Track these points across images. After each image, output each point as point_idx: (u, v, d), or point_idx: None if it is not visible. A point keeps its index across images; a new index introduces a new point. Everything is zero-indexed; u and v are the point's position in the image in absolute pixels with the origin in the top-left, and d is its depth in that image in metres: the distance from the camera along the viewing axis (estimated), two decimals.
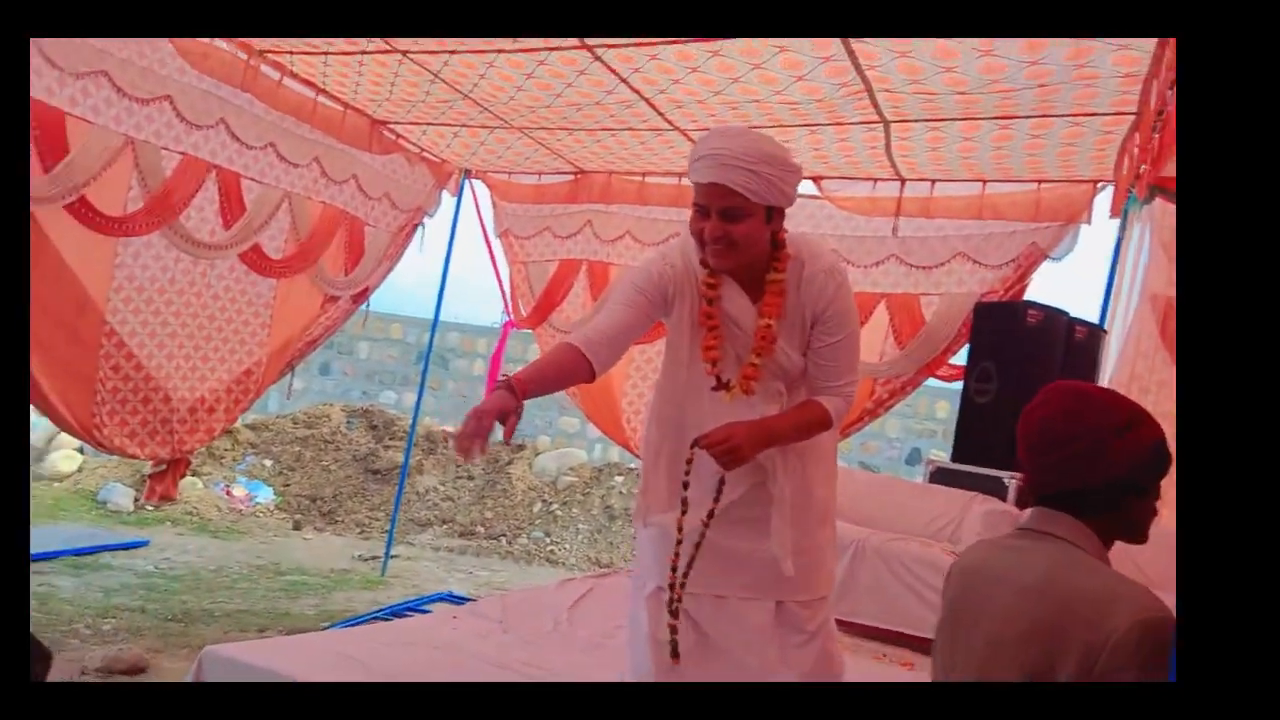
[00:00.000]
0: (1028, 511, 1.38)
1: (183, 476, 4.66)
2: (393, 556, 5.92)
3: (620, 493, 7.67)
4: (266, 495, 7.32)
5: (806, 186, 4.34)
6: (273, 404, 8.40)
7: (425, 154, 4.82)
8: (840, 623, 3.61)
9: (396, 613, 4.45)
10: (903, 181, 4.12)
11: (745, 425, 1.82)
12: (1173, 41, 2.38)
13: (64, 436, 7.13)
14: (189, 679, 2.12)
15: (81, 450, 7.19)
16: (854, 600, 3.53)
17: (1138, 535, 1.33)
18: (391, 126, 4.45)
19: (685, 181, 4.59)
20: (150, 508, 6.38)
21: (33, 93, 3.08)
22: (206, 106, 3.78)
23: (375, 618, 4.30)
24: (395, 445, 8.18)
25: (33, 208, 3.23)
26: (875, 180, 4.13)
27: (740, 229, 1.80)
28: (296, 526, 7.01)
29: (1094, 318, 3.73)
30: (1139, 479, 1.29)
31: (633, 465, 7.88)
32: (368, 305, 5.16)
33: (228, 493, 7.12)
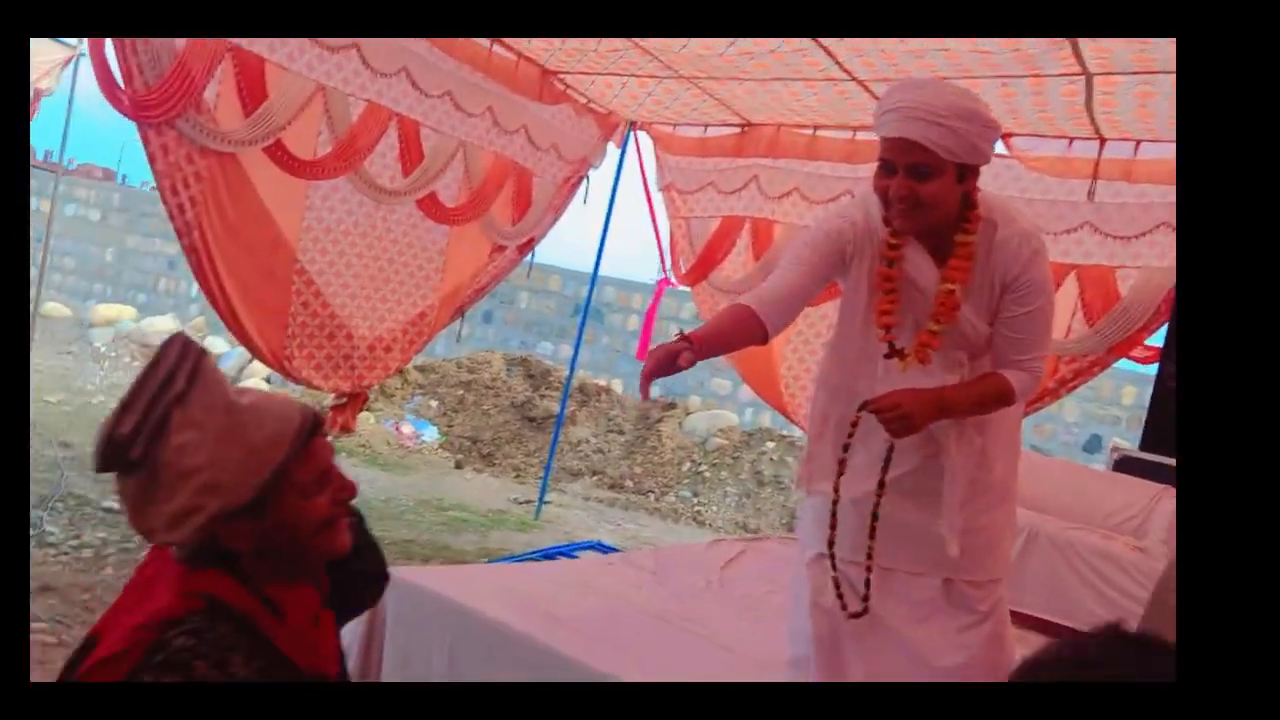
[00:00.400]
0: None
1: (361, 410, 4.95)
2: (546, 502, 6.11)
3: (771, 459, 7.58)
4: (432, 434, 7.71)
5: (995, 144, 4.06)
6: (440, 348, 8.79)
7: (593, 105, 4.83)
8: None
9: (549, 556, 4.58)
10: (1102, 141, 3.77)
11: (917, 393, 1.73)
12: None
13: (255, 365, 7.74)
14: None
15: (269, 380, 7.78)
16: (1022, 589, 3.34)
17: None
18: (561, 76, 4.48)
19: (860, 136, 4.38)
20: (330, 437, 6.84)
21: (233, 39, 3.27)
22: (390, 55, 3.91)
23: (530, 558, 4.44)
24: (551, 395, 8.40)
25: (235, 150, 3.46)
26: (1071, 139, 3.80)
27: (928, 188, 1.68)
28: (458, 466, 7.35)
29: None
30: None
31: (785, 431, 7.76)
32: (532, 256, 5.27)
33: (397, 429, 7.55)
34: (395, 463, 6.92)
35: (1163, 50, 2.85)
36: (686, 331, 1.67)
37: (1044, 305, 1.81)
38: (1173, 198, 3.73)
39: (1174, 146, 3.63)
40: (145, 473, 1.04)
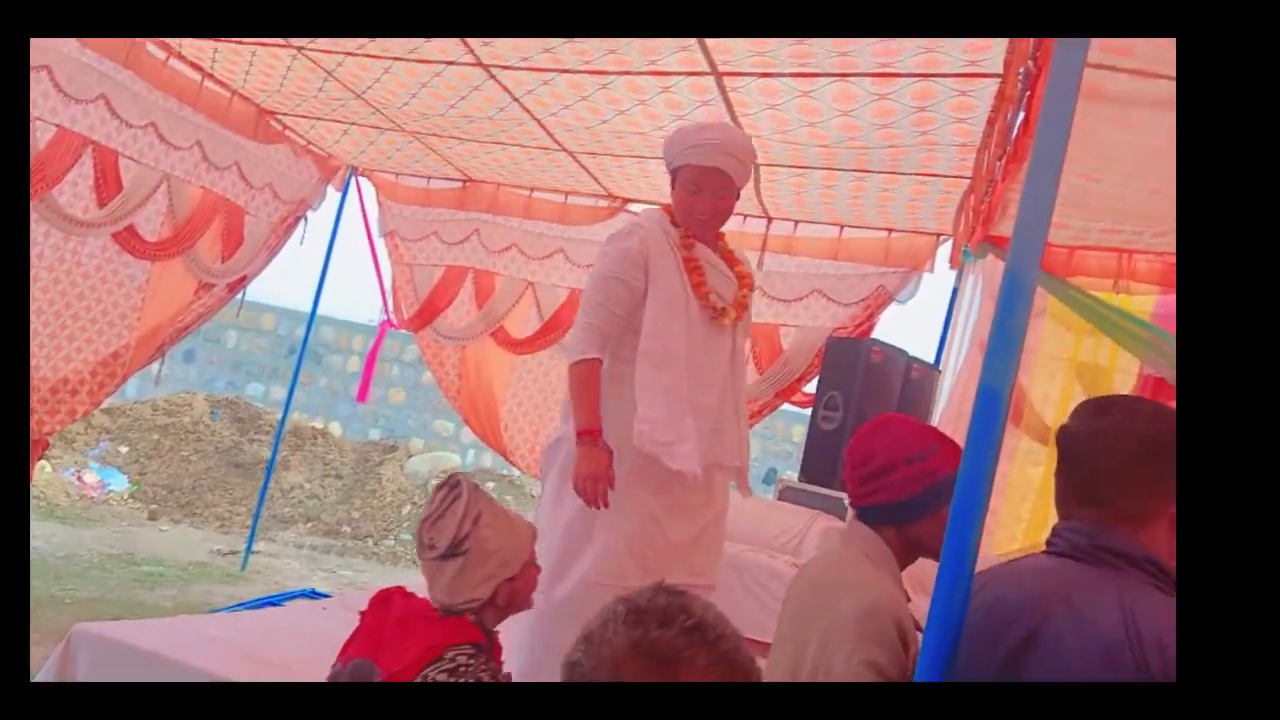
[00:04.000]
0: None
1: (39, 459, 4.49)
2: (254, 552, 5.83)
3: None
4: (120, 483, 7.05)
5: None
6: (131, 390, 8.07)
7: (312, 147, 4.83)
8: None
9: (256, 606, 4.42)
10: (769, 220, 4.43)
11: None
12: (1003, 115, 2.73)
13: None
14: (54, 658, 2.14)
15: None
16: None
17: (926, 553, 1.47)
18: (279, 117, 4.46)
19: (571, 200, 4.78)
20: None
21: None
22: (86, 80, 3.71)
23: (235, 610, 4.27)
24: (261, 439, 8.00)
25: None
26: (745, 216, 4.42)
27: (726, 204, 2.37)
28: (152, 517, 6.79)
29: (931, 357, 4.12)
30: (923, 502, 1.45)
31: (505, 472, 7.96)
32: (243, 294, 5.11)
33: (78, 478, 6.83)
34: (77, 515, 6.26)
35: (810, 150, 3.47)
36: (580, 428, 2.18)
37: None
38: (824, 269, 4.45)
39: (822, 228, 4.36)
40: (463, 557, 1.68)
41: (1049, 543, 1.22)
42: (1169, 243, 3.70)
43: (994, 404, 0.98)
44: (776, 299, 4.46)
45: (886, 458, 1.48)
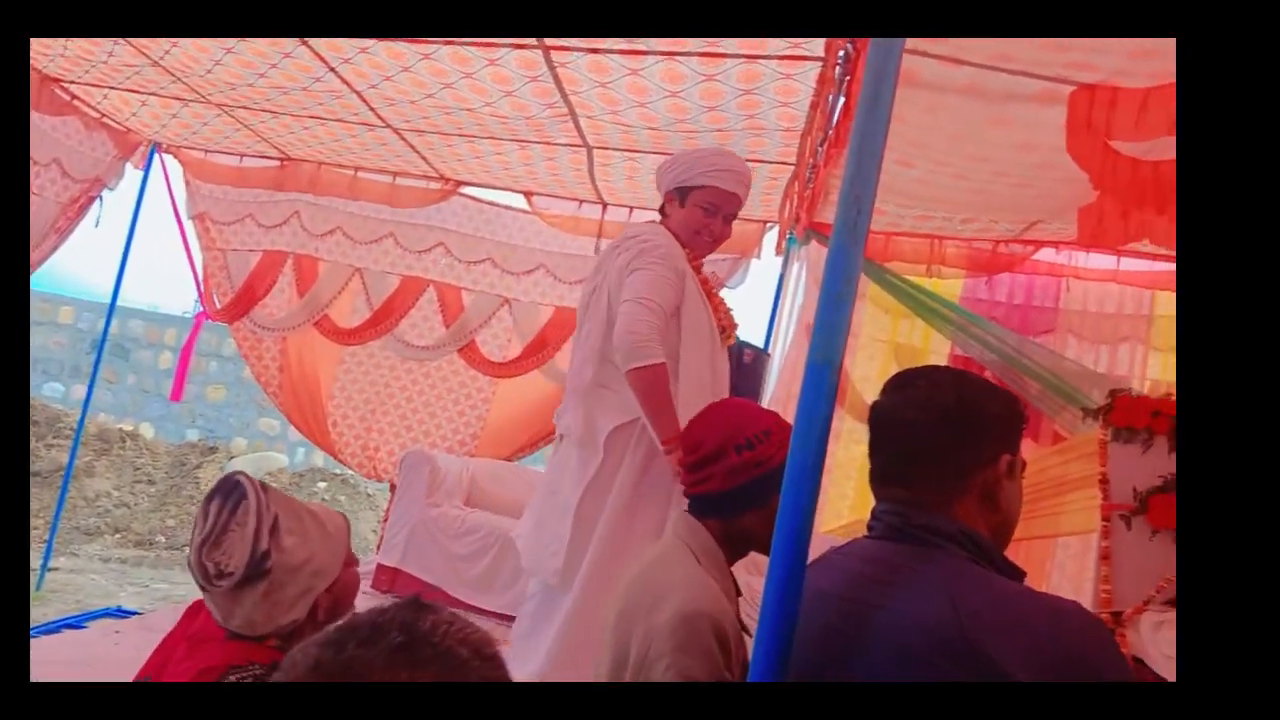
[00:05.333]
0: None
1: None
2: (51, 569, 5.28)
3: (324, 499, 7.37)
4: None
5: (517, 200, 4.51)
6: None
7: (107, 120, 4.40)
8: (487, 613, 3.78)
9: (52, 630, 3.98)
10: (604, 205, 4.40)
11: None
12: (824, 99, 2.80)
13: None
14: None
15: None
16: (500, 592, 3.75)
17: (757, 546, 1.40)
18: (65, 85, 4.03)
19: (400, 181, 4.57)
20: None
21: None
22: None
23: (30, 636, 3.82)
24: (60, 444, 7.29)
25: None
26: (580, 201, 4.37)
27: (729, 229, 2.39)
28: None
29: (761, 342, 4.20)
30: (750, 494, 1.38)
31: (337, 471, 7.59)
32: (29, 284, 4.59)
33: None
34: None
35: (641, 133, 3.46)
36: (668, 437, 2.07)
37: None
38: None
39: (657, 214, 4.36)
40: (265, 579, 1.35)
41: (869, 525, 1.19)
42: (974, 229, 3.93)
43: (822, 379, 0.96)
44: None
45: (715, 444, 1.41)
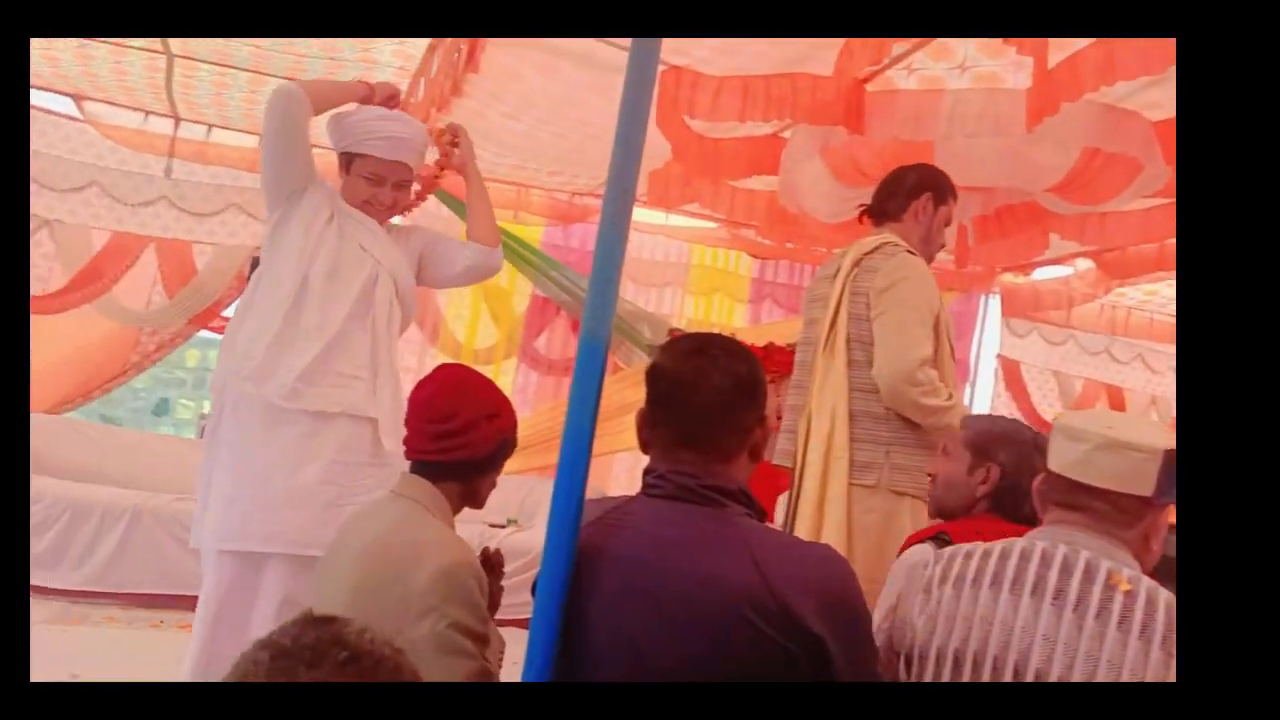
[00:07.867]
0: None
1: None
2: None
3: None
4: None
5: (66, 105, 3.86)
6: None
7: None
8: (113, 595, 3.42)
9: None
10: (178, 120, 3.96)
11: None
12: (442, 41, 2.88)
13: None
14: None
15: None
16: (130, 570, 3.41)
17: (477, 504, 1.53)
18: None
19: None
20: None
21: None
22: None
23: None
24: None
25: None
26: (148, 113, 3.88)
27: (406, 194, 2.25)
28: None
29: None
30: (494, 459, 1.50)
31: None
32: None
33: None
34: None
35: (240, 50, 3.20)
36: None
37: None
38: (244, 182, 4.16)
39: (244, 136, 4.05)
40: None
41: (651, 484, 1.22)
42: (559, 181, 4.37)
43: (595, 356, 1.14)
44: (188, 212, 4.03)
45: (470, 415, 1.47)
